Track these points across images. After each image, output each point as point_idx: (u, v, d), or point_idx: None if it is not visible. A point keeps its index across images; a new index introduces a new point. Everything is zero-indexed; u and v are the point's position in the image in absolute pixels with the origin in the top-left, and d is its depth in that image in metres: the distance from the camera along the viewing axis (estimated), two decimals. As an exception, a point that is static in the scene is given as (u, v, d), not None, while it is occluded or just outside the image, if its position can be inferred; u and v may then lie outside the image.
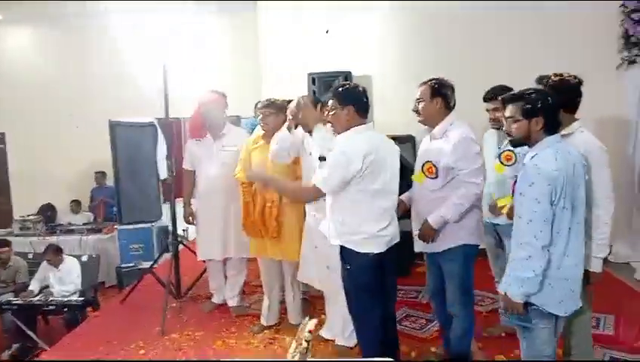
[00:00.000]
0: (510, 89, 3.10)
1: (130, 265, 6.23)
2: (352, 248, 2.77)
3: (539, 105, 2.24)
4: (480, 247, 3.06)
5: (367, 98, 2.84)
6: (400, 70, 5.30)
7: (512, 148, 3.05)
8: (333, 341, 3.61)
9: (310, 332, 1.80)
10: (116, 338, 3.96)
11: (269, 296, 3.94)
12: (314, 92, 5.38)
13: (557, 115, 2.28)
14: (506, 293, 2.27)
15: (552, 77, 2.73)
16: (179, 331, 4.02)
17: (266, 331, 3.90)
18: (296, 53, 5.77)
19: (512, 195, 2.36)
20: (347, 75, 5.21)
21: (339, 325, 3.56)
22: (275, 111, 3.61)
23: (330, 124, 2.91)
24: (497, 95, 3.06)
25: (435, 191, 2.87)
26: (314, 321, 1.83)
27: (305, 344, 1.78)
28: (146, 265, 6.06)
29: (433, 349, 3.52)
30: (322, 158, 3.27)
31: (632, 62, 4.75)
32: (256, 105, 5.94)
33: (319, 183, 2.75)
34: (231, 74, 7.32)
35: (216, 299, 4.45)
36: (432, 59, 5.23)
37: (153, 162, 6.10)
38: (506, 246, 3.28)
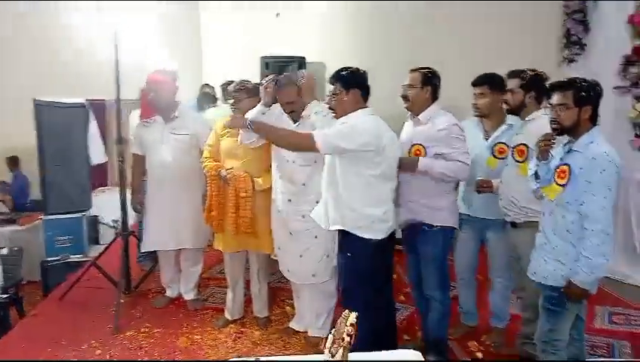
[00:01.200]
0: (500, 77, 3.15)
1: (57, 258, 5.71)
2: (357, 233, 2.72)
3: (591, 94, 2.29)
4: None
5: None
6: (355, 58, 5.21)
7: (504, 141, 3.10)
8: (305, 332, 3.52)
9: (352, 325, 1.71)
10: (63, 339, 3.59)
11: (233, 289, 3.75)
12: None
13: (598, 106, 2.35)
14: (571, 281, 2.30)
15: (529, 72, 3.00)
16: (134, 328, 3.72)
17: (231, 325, 3.72)
18: (243, 36, 5.53)
19: (557, 183, 2.38)
20: (301, 61, 5.10)
21: (310, 316, 3.47)
22: (247, 96, 3.42)
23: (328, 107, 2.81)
24: (488, 82, 3.10)
25: (417, 176, 2.88)
26: (355, 314, 1.73)
27: (347, 338, 1.68)
28: (75, 258, 5.62)
29: (406, 337, 3.52)
30: None
31: (571, 60, 5.02)
32: (203, 86, 5.66)
33: (318, 137, 2.63)
34: (168, 56, 6.90)
35: (169, 293, 4.18)
36: (386, 47, 5.23)
37: (84, 147, 5.61)
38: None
